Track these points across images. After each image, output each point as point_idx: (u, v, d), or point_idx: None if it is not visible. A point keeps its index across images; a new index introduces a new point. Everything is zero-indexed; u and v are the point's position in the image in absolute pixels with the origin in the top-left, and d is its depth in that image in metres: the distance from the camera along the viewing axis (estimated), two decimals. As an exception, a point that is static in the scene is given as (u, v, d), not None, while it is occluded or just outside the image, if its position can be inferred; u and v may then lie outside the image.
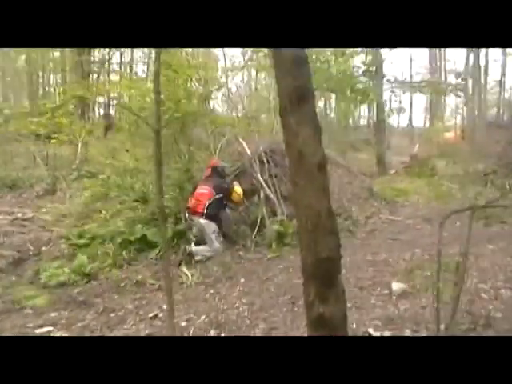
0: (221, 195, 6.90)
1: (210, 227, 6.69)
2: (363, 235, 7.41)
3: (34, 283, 6.08)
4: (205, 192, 6.85)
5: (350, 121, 23.80)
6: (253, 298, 5.01)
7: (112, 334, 4.56)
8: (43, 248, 7.81)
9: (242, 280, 5.64)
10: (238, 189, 7.13)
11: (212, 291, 5.39)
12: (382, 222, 8.29)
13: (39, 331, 4.77)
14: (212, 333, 4.22)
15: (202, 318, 4.63)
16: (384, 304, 4.59)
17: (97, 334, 4.58)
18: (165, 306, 5.03)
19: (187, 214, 6.98)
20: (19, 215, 10.17)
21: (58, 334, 4.67)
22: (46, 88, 26.16)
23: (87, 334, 4.57)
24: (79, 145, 13.58)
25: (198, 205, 6.77)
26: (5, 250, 7.64)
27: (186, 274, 5.93)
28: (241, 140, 8.16)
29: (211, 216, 6.74)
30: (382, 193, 10.17)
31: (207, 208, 6.72)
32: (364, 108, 29.23)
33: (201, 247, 6.64)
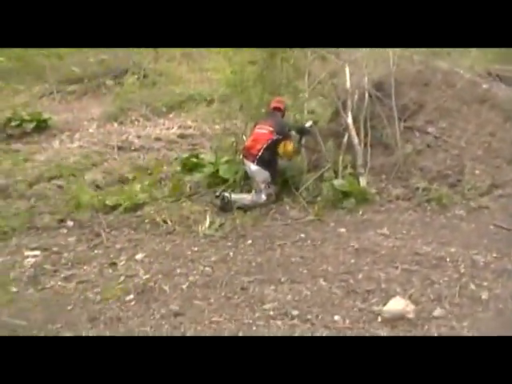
0: (280, 139, 5.81)
1: (261, 175, 5.76)
2: (460, 212, 5.19)
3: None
4: (264, 132, 5.81)
5: None
6: (218, 266, 4.42)
7: (70, 272, 4.54)
8: (164, 167, 7.84)
9: (249, 242, 4.87)
10: (289, 146, 5.91)
11: (196, 249, 4.80)
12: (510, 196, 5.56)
13: (27, 253, 4.99)
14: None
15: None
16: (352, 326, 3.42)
17: (57, 266, 4.69)
18: (140, 255, 4.78)
19: (241, 156, 6.16)
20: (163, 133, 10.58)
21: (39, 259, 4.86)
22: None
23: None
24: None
25: (253, 146, 5.81)
26: (126, 167, 7.97)
27: (206, 222, 5.36)
28: (346, 68, 6.57)
29: (265, 162, 5.73)
30: None
31: (263, 152, 5.72)
32: None
33: (240, 196, 5.86)
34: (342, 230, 5.00)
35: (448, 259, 4.24)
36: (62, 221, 5.83)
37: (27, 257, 4.90)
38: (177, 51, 14.88)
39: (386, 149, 6.14)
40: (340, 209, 5.47)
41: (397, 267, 4.15)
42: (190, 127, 10.95)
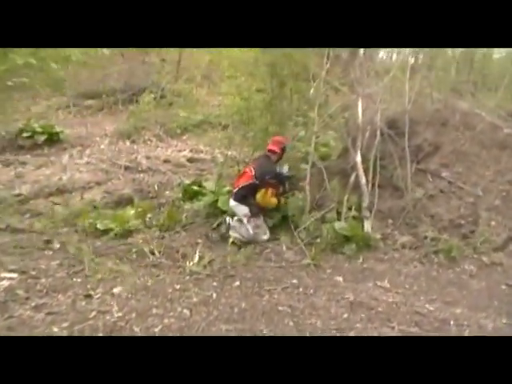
0: (257, 184, 5.51)
1: (240, 210, 5.58)
2: (470, 268, 4.78)
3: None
4: (247, 172, 5.62)
5: None
6: (197, 309, 4.00)
7: (42, 301, 4.19)
8: (166, 192, 7.84)
9: (236, 283, 4.49)
10: (266, 197, 5.57)
11: (178, 286, 4.41)
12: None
13: (3, 275, 4.72)
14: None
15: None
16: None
17: (30, 293, 4.33)
18: (118, 288, 4.41)
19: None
20: (173, 155, 10.39)
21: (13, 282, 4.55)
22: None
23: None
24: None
25: (237, 181, 5.72)
26: (128, 189, 7.88)
27: (195, 257, 5.03)
28: (359, 103, 6.17)
29: (240, 198, 5.57)
30: None
31: (239, 189, 5.56)
32: None
33: (239, 225, 5.55)
34: (339, 278, 4.59)
35: (452, 322, 3.82)
36: (48, 242, 5.58)
37: (3, 279, 4.61)
38: (198, 72, 14.81)
39: (395, 191, 5.75)
40: (339, 254, 5.07)
41: (393, 327, 3.74)
42: (202, 151, 10.78)
